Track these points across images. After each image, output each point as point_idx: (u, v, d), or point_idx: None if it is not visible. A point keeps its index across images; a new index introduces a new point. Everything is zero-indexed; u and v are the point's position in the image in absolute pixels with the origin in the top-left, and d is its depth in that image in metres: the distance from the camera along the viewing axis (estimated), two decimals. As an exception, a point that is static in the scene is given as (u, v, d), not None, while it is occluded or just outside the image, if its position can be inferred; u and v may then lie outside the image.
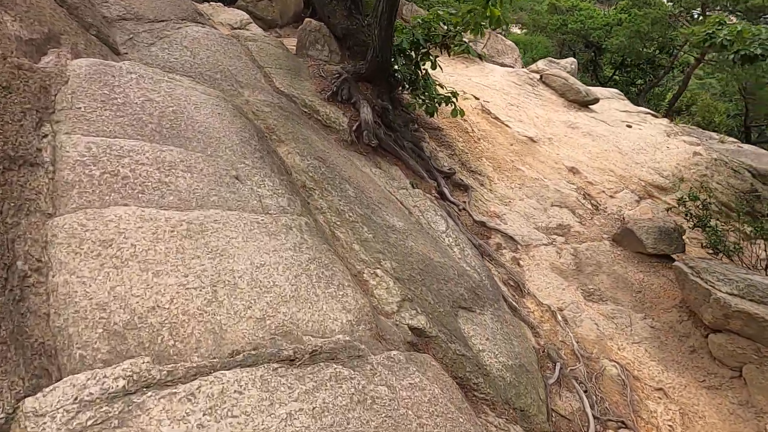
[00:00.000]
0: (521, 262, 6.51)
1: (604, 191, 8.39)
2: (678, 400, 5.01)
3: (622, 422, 4.55)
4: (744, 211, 7.09)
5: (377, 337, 2.62)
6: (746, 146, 11.33)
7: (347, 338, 2.42)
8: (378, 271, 3.65)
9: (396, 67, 6.55)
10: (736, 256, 6.58)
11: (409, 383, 2.38)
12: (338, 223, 3.92)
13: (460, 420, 2.45)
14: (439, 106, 6.84)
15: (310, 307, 2.48)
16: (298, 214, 3.13)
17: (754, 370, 4.87)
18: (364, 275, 3.59)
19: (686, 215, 7.02)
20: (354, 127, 5.95)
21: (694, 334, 5.59)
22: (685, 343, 5.58)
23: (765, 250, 6.56)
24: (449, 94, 6.76)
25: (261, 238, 2.65)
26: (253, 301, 2.31)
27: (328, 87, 6.33)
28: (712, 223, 6.89)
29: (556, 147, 9.18)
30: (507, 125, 9.20)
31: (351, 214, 4.08)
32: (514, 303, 5.47)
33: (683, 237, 7.02)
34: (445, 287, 4.24)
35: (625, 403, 4.86)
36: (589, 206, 7.91)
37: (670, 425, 4.77)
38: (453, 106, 6.71)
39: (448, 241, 5.32)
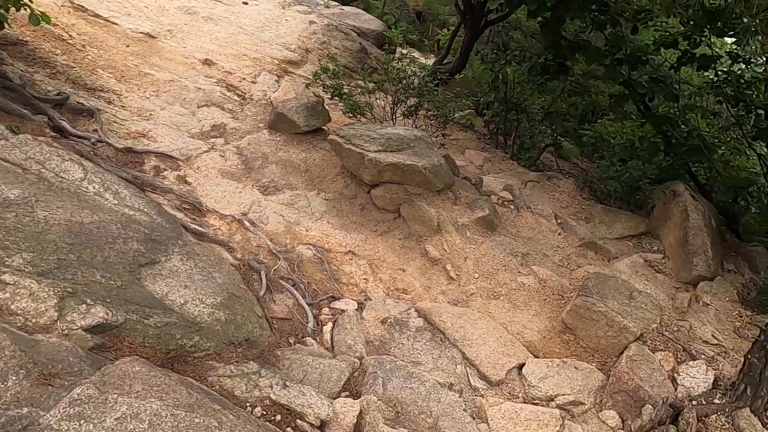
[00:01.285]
0: (188, 179, 5.87)
1: (244, 78, 8.07)
2: (364, 254, 5.69)
3: (331, 296, 4.93)
4: (366, 70, 7.90)
5: (40, 383, 1.85)
6: (347, 8, 12.46)
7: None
8: (5, 276, 2.59)
9: None
10: (369, 113, 7.45)
11: (116, 420, 1.80)
12: None
13: (195, 420, 2.06)
14: (7, 11, 4.97)
15: None
16: None
17: (407, 207, 5.82)
18: (-14, 289, 2.50)
19: (323, 87, 7.43)
20: None
21: (359, 194, 6.27)
22: (355, 204, 6.24)
23: (387, 101, 7.62)
24: (15, -7, 4.93)
25: None
26: None
27: None
28: (346, 90, 7.49)
29: (180, 39, 8.17)
30: (113, 22, 7.59)
31: None
32: (198, 227, 4.96)
33: (326, 107, 7.48)
34: (113, 251, 3.42)
35: (328, 278, 5.24)
36: (236, 98, 7.54)
37: (365, 278, 5.43)
38: (29, 10, 4.97)
39: (94, 188, 4.24)
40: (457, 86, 12.04)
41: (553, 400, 4.00)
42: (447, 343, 4.42)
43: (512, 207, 7.22)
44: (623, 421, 3.81)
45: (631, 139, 8.90)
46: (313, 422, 2.96)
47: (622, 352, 4.38)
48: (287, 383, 3.17)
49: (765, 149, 8.72)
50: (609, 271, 6.36)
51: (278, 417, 2.96)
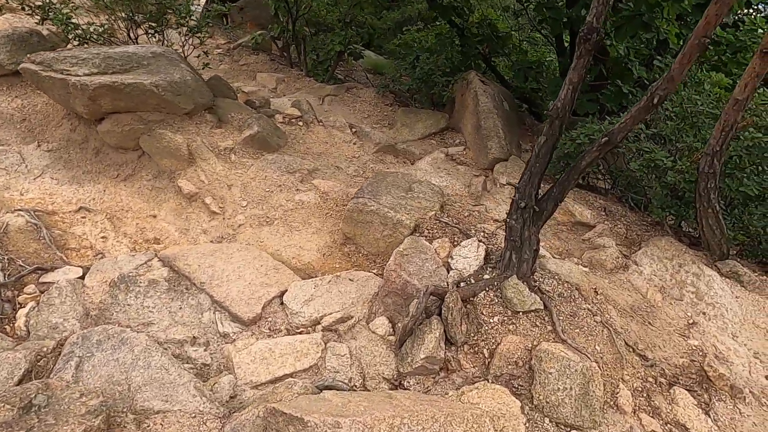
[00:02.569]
0: None
1: None
2: (102, 208, 4.48)
3: (39, 268, 3.72)
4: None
5: None
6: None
7: None
8: None
9: None
10: (106, 39, 5.95)
11: None
12: None
13: None
14: None
15: None
16: None
17: (147, 139, 4.65)
18: None
19: (31, 13, 5.72)
20: None
21: (91, 136, 4.93)
22: (87, 150, 4.91)
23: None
24: None
25: None
26: None
27: None
28: (65, 10, 5.85)
29: None
30: None
31: None
32: None
33: (49, 39, 5.81)
34: None
35: (46, 246, 4.00)
36: None
37: (103, 236, 4.27)
38: None
39: None
40: (255, 10, 10.68)
41: (319, 322, 3.34)
42: (193, 290, 3.52)
43: (301, 123, 6.37)
44: (393, 325, 3.29)
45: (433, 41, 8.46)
46: None
47: (400, 250, 3.84)
48: None
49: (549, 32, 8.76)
50: (413, 171, 5.88)
51: None
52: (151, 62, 4.93)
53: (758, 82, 4.08)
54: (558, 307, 3.25)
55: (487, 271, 3.41)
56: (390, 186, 4.34)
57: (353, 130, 6.54)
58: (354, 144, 6.33)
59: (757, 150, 4.48)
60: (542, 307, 3.19)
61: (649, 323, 3.99)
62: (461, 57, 8.01)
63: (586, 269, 4.50)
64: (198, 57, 6.30)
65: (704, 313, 4.23)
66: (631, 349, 3.46)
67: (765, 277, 4.70)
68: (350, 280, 3.70)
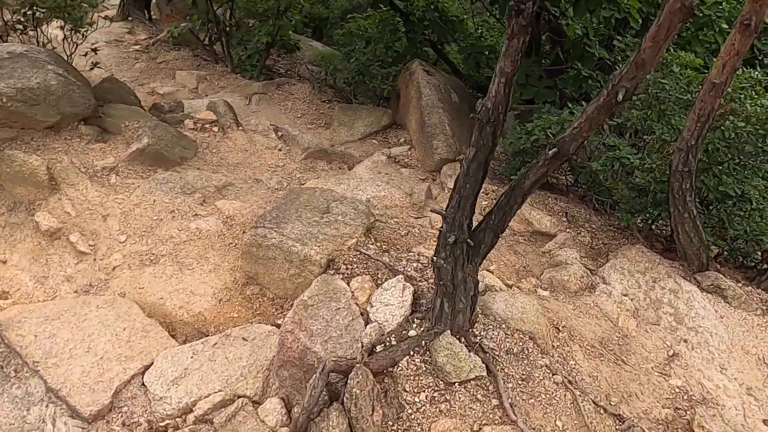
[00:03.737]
0: None
1: None
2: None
3: None
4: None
5: None
6: None
7: None
8: None
9: None
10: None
11: None
12: None
13: None
14: None
15: None
16: None
17: (-7, 164, 3.65)
18: None
19: None
20: None
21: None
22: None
23: None
24: None
25: None
26: None
27: None
28: None
29: None
30: None
31: None
32: None
33: None
34: None
35: None
36: None
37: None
38: None
39: None
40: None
41: (191, 410, 2.46)
42: (24, 372, 2.58)
43: (216, 129, 5.41)
44: (290, 410, 2.43)
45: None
46: None
47: (311, 294, 2.97)
48: None
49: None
50: (345, 180, 5.01)
51: None
52: (3, 65, 3.91)
53: (738, 61, 3.34)
54: (507, 370, 2.44)
55: (415, 324, 2.57)
56: (302, 208, 3.45)
57: (279, 133, 5.62)
58: (279, 150, 5.41)
59: (738, 142, 3.77)
60: (485, 373, 2.37)
61: (623, 361, 3.24)
62: (407, 45, 7.14)
63: (546, 293, 3.72)
64: (85, 55, 5.25)
65: (686, 341, 3.52)
66: (601, 410, 2.69)
67: (750, 287, 4.01)
68: (244, 339, 2.82)
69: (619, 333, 3.47)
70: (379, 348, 2.44)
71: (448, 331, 2.43)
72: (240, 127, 5.49)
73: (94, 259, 3.50)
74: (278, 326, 3.02)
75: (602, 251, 4.33)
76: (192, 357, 2.66)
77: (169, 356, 2.65)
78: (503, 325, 2.63)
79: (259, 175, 4.96)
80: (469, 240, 2.32)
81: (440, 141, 5.47)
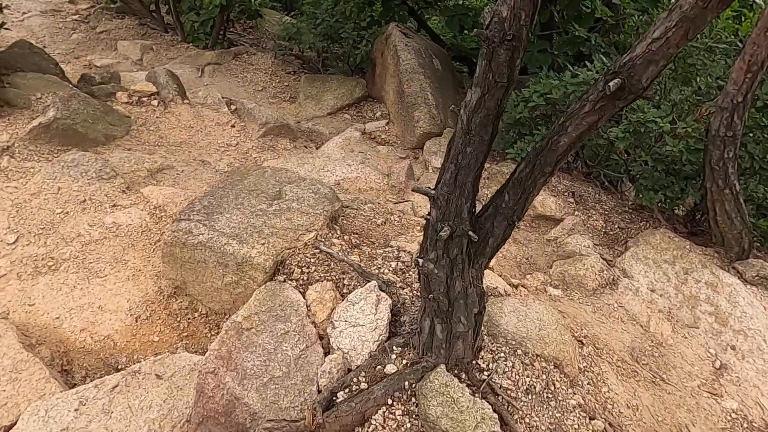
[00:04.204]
0: None
1: None
2: None
3: None
4: None
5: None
6: None
7: None
8: None
9: None
10: None
11: None
12: None
13: None
14: None
15: None
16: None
17: None
18: None
19: None
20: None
21: None
22: None
23: None
24: None
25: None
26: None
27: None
28: None
29: None
30: None
31: None
32: None
33: None
34: None
35: None
36: None
37: None
38: None
39: None
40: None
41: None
42: None
43: (155, 103, 4.51)
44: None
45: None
46: None
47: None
48: None
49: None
50: (310, 160, 4.18)
51: None
52: None
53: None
54: (529, 419, 1.68)
55: (394, 354, 1.78)
56: (245, 193, 2.62)
57: (232, 107, 4.74)
58: (233, 126, 4.55)
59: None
60: (498, 428, 1.61)
61: (663, 380, 2.52)
62: (383, 9, 6.28)
63: (558, 292, 2.98)
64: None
65: (733, 348, 2.83)
66: (652, 459, 1.99)
67: (800, 277, 3.33)
68: (158, 377, 2.01)
69: (651, 340, 2.75)
70: (342, 394, 1.65)
71: (443, 366, 1.66)
72: (185, 101, 4.60)
73: (-29, 268, 2.63)
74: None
75: (619, 237, 3.60)
76: (77, 410, 1.85)
77: (42, 411, 1.82)
78: (519, 351, 1.87)
79: (206, 155, 4.10)
80: (471, 232, 1.53)
81: (422, 112, 4.67)
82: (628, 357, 2.57)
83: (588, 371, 2.20)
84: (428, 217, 1.59)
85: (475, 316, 1.67)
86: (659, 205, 3.51)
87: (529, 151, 1.47)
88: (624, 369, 2.46)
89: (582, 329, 2.61)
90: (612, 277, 3.07)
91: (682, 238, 3.43)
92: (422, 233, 1.79)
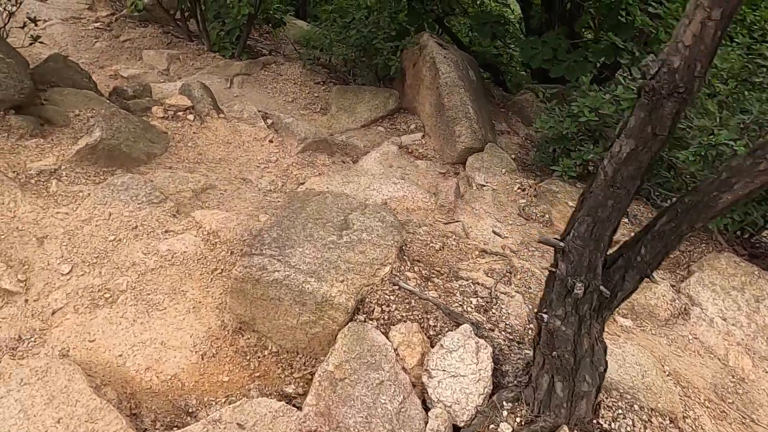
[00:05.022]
0: None
1: None
2: None
3: None
4: None
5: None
6: None
7: None
8: None
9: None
10: None
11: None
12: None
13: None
14: None
15: None
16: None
17: None
18: None
19: None
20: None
21: None
22: None
23: None
24: None
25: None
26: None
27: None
28: None
29: None
30: None
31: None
32: None
33: None
34: None
35: None
36: None
37: None
38: None
39: None
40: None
41: None
42: None
43: (191, 117, 4.40)
44: None
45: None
46: None
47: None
48: None
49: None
50: (354, 178, 4.07)
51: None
52: None
53: None
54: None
55: (505, 411, 1.67)
56: (311, 222, 2.51)
57: (269, 121, 4.63)
58: (270, 142, 4.43)
59: None
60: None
61: (753, 421, 2.40)
62: (410, 17, 6.17)
63: (629, 322, 2.87)
64: (23, 27, 4.17)
65: (816, 382, 2.73)
66: None
67: None
68: (240, 426, 1.89)
69: (732, 376, 2.64)
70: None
71: (565, 428, 1.54)
72: (221, 115, 4.48)
73: (26, 301, 2.51)
74: (288, 398, 2.10)
75: (680, 261, 3.48)
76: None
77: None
78: (635, 405, 1.75)
79: (247, 173, 3.99)
80: (603, 288, 1.42)
81: (463, 127, 4.56)
82: (713, 395, 2.46)
83: (687, 417, 2.09)
84: (553, 269, 1.48)
85: (600, 375, 1.55)
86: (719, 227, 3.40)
87: (675, 204, 1.36)
88: (713, 410, 2.35)
89: (663, 364, 2.50)
90: (683, 306, 2.95)
91: (747, 263, 3.32)
92: (546, 286, 1.63)
